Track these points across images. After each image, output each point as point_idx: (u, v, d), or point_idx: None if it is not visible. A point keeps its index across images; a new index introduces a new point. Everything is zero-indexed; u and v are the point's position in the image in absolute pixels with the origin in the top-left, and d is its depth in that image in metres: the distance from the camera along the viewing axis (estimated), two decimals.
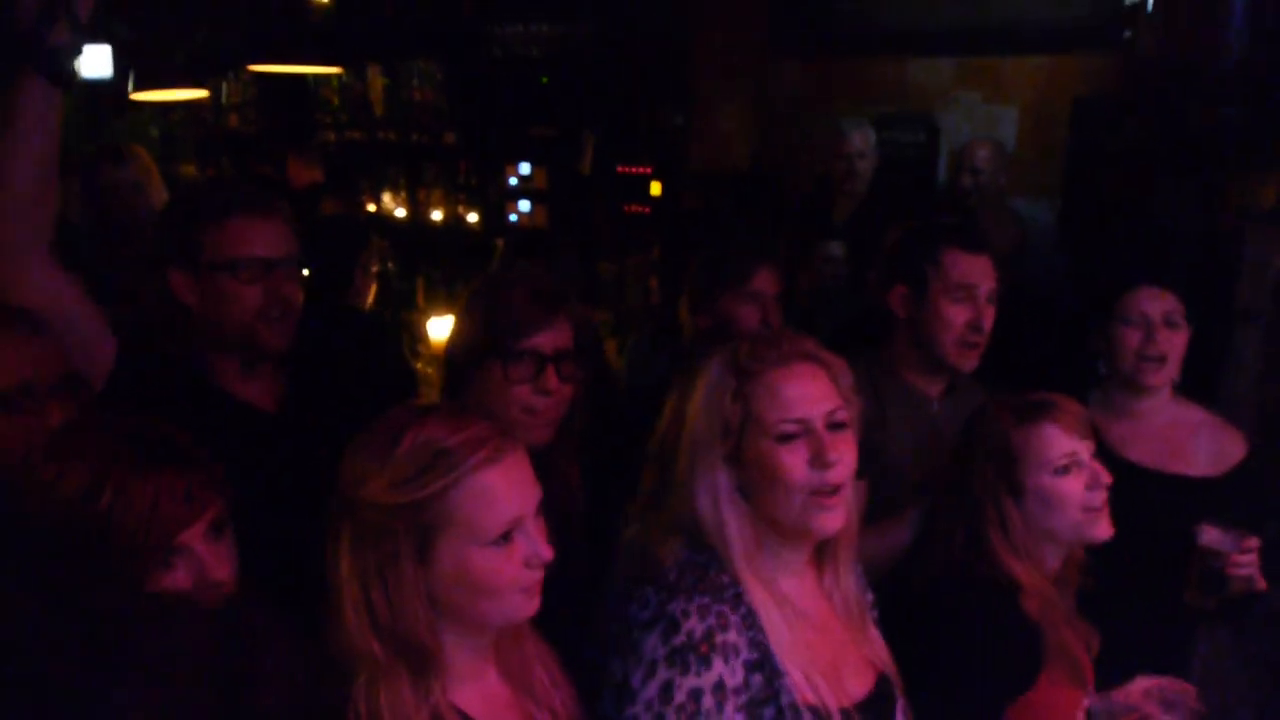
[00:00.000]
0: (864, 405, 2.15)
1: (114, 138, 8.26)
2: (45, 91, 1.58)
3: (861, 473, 2.10)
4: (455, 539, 1.24)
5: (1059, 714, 1.84)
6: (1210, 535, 1.98)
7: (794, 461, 1.45)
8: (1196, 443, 2.29)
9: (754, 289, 2.48)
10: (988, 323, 2.20)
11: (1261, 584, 2.04)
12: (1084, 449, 1.84)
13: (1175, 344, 2.24)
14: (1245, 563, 1.99)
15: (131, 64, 6.23)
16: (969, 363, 2.23)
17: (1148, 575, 1.87)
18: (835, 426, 1.49)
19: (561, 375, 1.75)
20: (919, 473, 2.20)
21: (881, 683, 1.59)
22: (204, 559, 1.31)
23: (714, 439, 1.47)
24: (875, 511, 2.13)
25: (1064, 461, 1.83)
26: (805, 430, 1.47)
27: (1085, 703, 1.90)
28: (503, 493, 1.26)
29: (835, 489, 1.47)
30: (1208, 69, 3.34)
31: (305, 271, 1.93)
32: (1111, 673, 1.92)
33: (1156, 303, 2.24)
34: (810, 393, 1.48)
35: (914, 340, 2.26)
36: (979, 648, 1.78)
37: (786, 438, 1.46)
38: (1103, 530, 1.85)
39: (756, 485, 1.48)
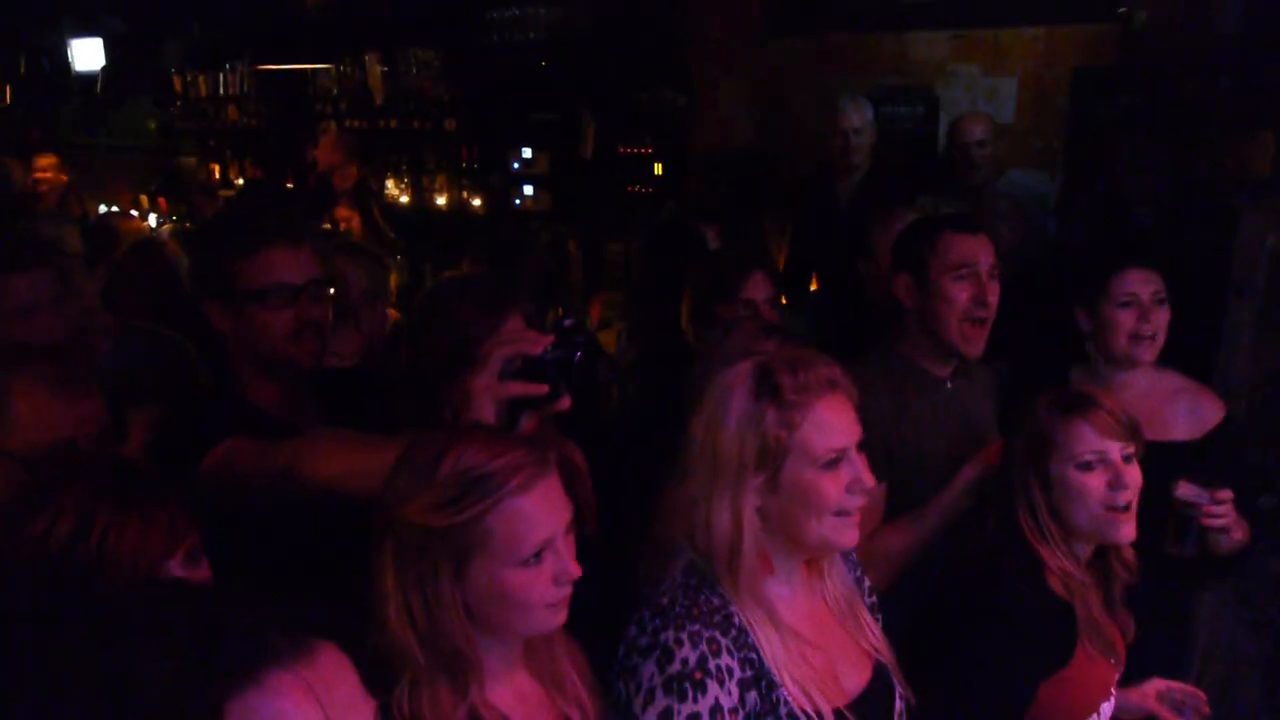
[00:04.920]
0: (884, 400, 2.23)
1: (111, 130, 8.32)
2: None
3: (881, 477, 2.19)
4: (489, 559, 1.31)
5: (1094, 688, 1.92)
6: (1185, 489, 2.11)
7: (834, 487, 1.51)
8: (1175, 408, 2.39)
9: (746, 297, 2.59)
10: (993, 297, 2.23)
11: (1237, 534, 2.15)
12: (1114, 449, 1.90)
13: (1163, 320, 2.35)
14: (1219, 513, 2.10)
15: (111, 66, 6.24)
16: (975, 347, 2.27)
17: (1141, 540, 1.94)
18: (860, 449, 1.56)
19: None
20: (943, 456, 2.26)
21: (878, 672, 1.65)
22: None
23: (748, 465, 1.51)
24: (905, 500, 2.19)
25: (1089, 458, 1.89)
26: (845, 457, 1.53)
27: (1117, 677, 1.97)
28: (534, 517, 1.32)
29: (860, 508, 1.55)
30: (1202, 39, 3.37)
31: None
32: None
33: (1146, 285, 2.34)
34: (847, 421, 1.54)
35: (922, 327, 2.31)
36: (1011, 623, 1.84)
37: (831, 465, 1.51)
38: (1125, 533, 1.90)
39: (786, 508, 1.53)
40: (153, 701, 0.82)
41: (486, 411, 1.49)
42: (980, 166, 3.94)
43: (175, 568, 1.39)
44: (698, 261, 2.86)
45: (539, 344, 1.51)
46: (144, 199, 7.25)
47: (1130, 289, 2.33)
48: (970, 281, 2.23)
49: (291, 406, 1.97)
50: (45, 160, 5.97)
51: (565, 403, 1.53)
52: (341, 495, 1.61)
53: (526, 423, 1.53)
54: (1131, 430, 1.92)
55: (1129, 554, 1.99)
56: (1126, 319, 2.33)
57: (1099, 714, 1.93)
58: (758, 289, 2.62)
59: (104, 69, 5.76)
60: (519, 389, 1.50)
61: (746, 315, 2.51)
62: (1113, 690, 1.97)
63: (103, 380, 1.89)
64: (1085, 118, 4.12)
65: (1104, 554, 1.99)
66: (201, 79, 8.16)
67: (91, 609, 1.16)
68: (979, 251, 2.25)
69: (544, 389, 1.51)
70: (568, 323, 1.55)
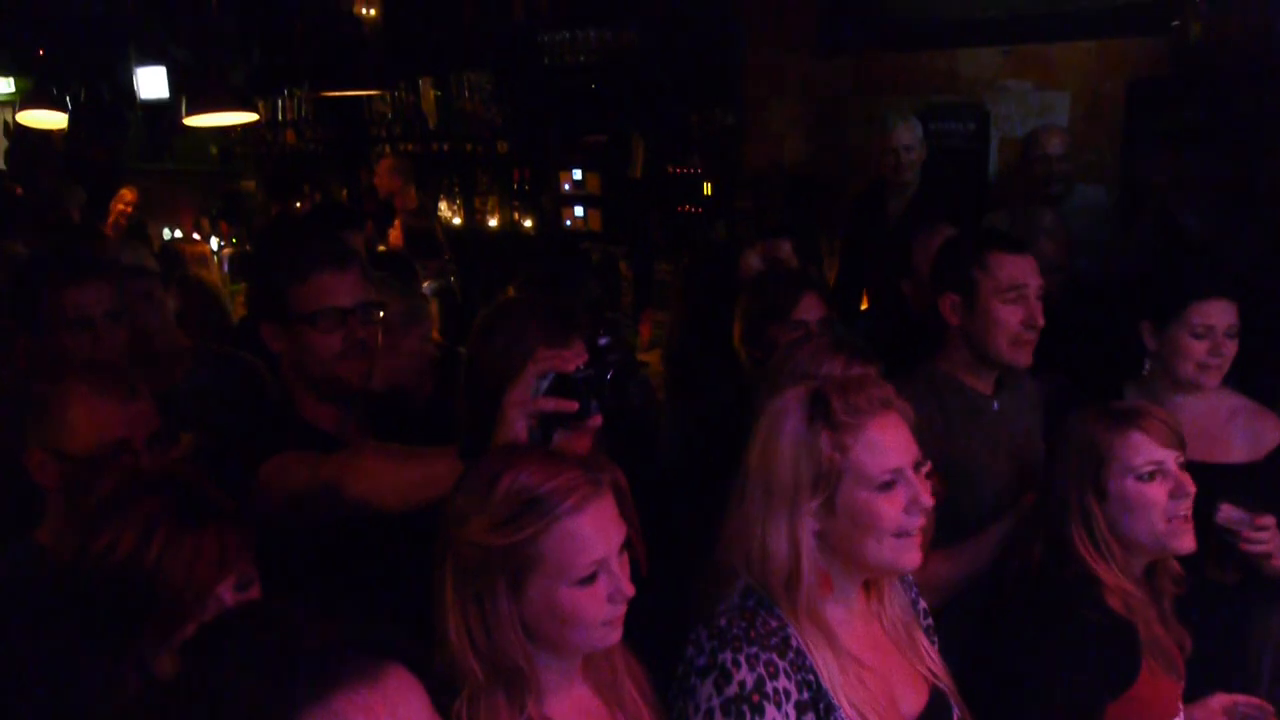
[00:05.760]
0: (928, 419, 2.23)
1: (173, 156, 8.56)
2: None
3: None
4: (545, 578, 1.34)
5: (1163, 705, 1.89)
6: (1226, 512, 2.08)
7: (892, 509, 1.51)
8: (1232, 429, 2.35)
9: (799, 318, 2.59)
10: (1040, 319, 2.25)
11: (1277, 561, 2.10)
12: (1170, 458, 1.88)
13: (1233, 351, 2.31)
14: (1260, 539, 2.06)
15: (184, 90, 6.43)
16: (1024, 358, 2.27)
17: (1195, 562, 1.91)
18: (918, 468, 1.55)
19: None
20: (990, 474, 2.25)
21: (935, 696, 1.64)
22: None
23: (803, 488, 1.51)
24: (954, 520, 2.15)
25: (1149, 468, 1.87)
26: (901, 478, 1.52)
27: (1181, 690, 1.94)
28: (588, 537, 1.34)
29: (921, 529, 1.54)
30: (1259, 51, 3.31)
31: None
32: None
33: (1224, 317, 2.29)
34: (902, 441, 1.54)
35: (968, 345, 2.31)
36: (1079, 645, 1.82)
37: (887, 486, 1.51)
38: (1185, 543, 1.88)
39: (845, 531, 1.52)
40: (226, 717, 0.84)
41: (519, 427, 1.52)
42: (1060, 179, 3.91)
43: (225, 593, 1.43)
44: (748, 282, 2.88)
45: (571, 361, 1.54)
46: (205, 222, 7.44)
47: (1208, 320, 2.28)
48: (1021, 304, 2.24)
49: (344, 426, 2.02)
50: (130, 194, 6.18)
51: (596, 420, 1.55)
52: (386, 508, 1.65)
53: (559, 440, 1.55)
54: (1180, 438, 1.91)
55: (1176, 568, 1.96)
56: (1198, 349, 2.29)
57: None
58: (810, 310, 2.62)
59: (171, 98, 5.96)
60: (549, 405, 1.53)
61: (801, 336, 2.52)
62: (1180, 706, 1.94)
63: (182, 400, 1.95)
64: (1142, 131, 4.06)
65: (1152, 569, 1.96)
66: (261, 104, 8.36)
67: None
68: (1029, 274, 2.26)
69: (574, 406, 1.53)
70: (602, 341, 1.57)
